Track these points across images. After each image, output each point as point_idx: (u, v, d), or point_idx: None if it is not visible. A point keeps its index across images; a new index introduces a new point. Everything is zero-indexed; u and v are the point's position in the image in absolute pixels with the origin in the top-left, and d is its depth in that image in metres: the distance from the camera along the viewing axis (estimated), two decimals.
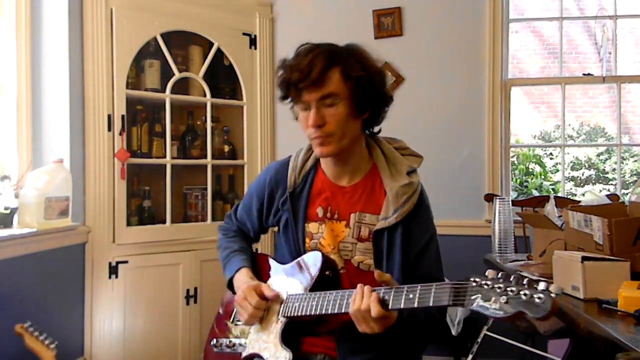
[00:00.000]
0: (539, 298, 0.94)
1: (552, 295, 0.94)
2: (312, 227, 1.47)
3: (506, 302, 0.98)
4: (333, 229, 1.45)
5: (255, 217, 1.60)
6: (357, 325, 1.22)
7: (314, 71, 1.32)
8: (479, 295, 1.02)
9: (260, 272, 1.54)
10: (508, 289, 0.99)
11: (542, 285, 0.96)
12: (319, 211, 1.47)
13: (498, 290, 1.00)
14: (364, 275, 1.42)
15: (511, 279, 1.00)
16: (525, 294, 0.96)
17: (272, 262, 1.54)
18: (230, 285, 1.55)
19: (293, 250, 1.48)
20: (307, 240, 1.47)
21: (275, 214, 1.54)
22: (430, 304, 1.10)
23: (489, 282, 1.02)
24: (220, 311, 1.64)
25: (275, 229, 1.59)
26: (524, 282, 0.99)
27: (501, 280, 1.01)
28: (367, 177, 1.46)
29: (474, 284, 1.04)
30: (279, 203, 1.52)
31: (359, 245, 1.43)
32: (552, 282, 0.97)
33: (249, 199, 1.62)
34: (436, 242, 1.45)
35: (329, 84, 1.33)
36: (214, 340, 1.55)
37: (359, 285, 1.21)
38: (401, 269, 1.38)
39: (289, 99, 1.40)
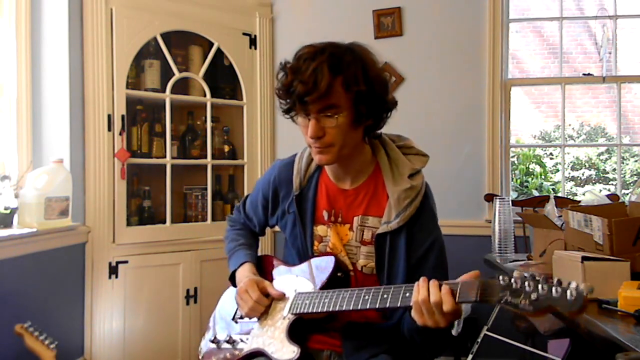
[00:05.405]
0: (571, 294, 0.97)
1: (584, 292, 0.97)
2: (320, 230, 1.47)
3: (536, 299, 1.00)
4: (338, 232, 1.45)
5: (261, 213, 1.61)
6: (418, 317, 1.16)
7: (320, 84, 1.25)
8: (507, 292, 1.04)
9: (265, 272, 1.54)
10: (539, 286, 1.01)
11: (573, 284, 0.98)
12: (324, 214, 1.46)
13: (528, 289, 1.02)
14: (369, 278, 1.42)
15: (539, 278, 1.02)
16: (557, 290, 0.99)
17: (278, 262, 1.54)
18: (232, 279, 1.54)
19: (301, 253, 1.48)
20: (316, 243, 1.47)
21: (281, 215, 1.53)
22: (457, 300, 1.11)
23: (517, 281, 1.04)
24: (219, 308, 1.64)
25: (276, 228, 1.58)
26: (554, 281, 1.01)
27: (529, 279, 1.03)
28: (370, 180, 1.44)
29: (502, 282, 1.05)
30: (285, 205, 1.51)
31: (363, 249, 1.42)
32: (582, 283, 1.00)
33: (256, 195, 1.63)
34: (439, 246, 1.41)
35: (332, 96, 1.28)
36: (212, 337, 1.54)
37: (422, 279, 1.17)
38: (405, 274, 1.36)
39: (288, 107, 1.34)
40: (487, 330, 2.74)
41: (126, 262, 2.78)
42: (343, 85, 1.29)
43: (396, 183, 1.40)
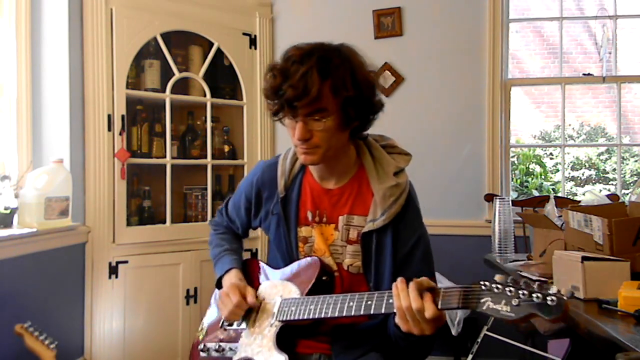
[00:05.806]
0: (551, 300, 0.96)
1: (564, 297, 0.96)
2: (304, 231, 1.46)
3: (517, 305, 0.99)
4: (323, 233, 1.45)
5: (244, 215, 1.61)
6: (402, 324, 1.15)
7: (311, 90, 1.24)
8: (489, 298, 1.03)
9: (251, 277, 1.54)
10: (519, 292, 1.00)
11: (553, 289, 0.98)
12: (309, 215, 1.46)
13: (509, 294, 1.01)
14: (355, 277, 1.42)
15: (521, 283, 1.01)
16: (537, 297, 0.98)
17: (264, 266, 1.55)
18: (219, 285, 1.55)
19: (286, 255, 1.48)
20: (301, 244, 1.47)
21: (265, 217, 1.53)
22: (439, 307, 1.10)
23: (499, 286, 1.03)
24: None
25: (259, 230, 1.59)
26: (535, 285, 0.99)
27: (511, 284, 1.02)
28: (354, 179, 1.45)
29: (484, 287, 1.04)
30: (269, 207, 1.51)
31: (349, 248, 1.42)
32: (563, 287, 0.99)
33: (239, 197, 1.62)
34: (424, 243, 1.42)
35: (321, 101, 1.27)
36: (202, 345, 1.53)
37: (399, 280, 1.16)
38: (392, 271, 1.37)
39: (276, 108, 1.34)
40: (487, 330, 2.74)
41: (126, 262, 2.78)
42: (331, 90, 1.28)
43: (382, 181, 1.40)
